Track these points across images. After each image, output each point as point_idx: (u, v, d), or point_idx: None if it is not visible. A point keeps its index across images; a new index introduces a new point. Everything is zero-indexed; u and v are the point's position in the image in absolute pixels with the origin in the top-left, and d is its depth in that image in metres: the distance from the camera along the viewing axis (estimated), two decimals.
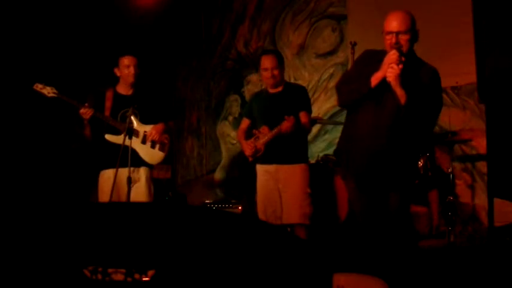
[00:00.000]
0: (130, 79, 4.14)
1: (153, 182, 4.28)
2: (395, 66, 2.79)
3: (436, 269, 3.41)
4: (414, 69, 2.92)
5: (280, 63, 4.12)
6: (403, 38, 2.88)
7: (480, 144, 5.11)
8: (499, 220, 4.44)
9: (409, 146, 2.98)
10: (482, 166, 5.15)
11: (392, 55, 2.83)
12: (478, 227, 4.96)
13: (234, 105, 7.43)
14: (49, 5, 5.75)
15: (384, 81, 2.87)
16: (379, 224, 3.00)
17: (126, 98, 4.17)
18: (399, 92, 2.81)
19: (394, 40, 2.87)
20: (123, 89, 4.21)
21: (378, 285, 1.57)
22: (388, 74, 2.82)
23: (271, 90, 4.18)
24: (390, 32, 2.90)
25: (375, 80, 2.89)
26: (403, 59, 2.83)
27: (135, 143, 4.06)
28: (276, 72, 4.06)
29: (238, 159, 6.96)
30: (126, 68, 4.12)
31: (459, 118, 5.26)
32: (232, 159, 7.27)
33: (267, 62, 4.09)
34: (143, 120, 4.16)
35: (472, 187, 5.21)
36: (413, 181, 3.12)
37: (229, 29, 7.52)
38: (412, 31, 2.92)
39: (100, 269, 1.16)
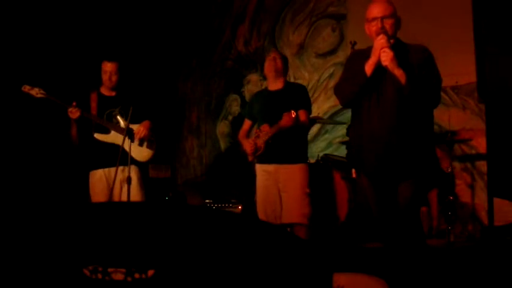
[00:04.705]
0: (110, 84, 4.27)
1: (147, 181, 4.37)
2: (387, 50, 2.84)
3: (436, 269, 3.41)
4: (403, 53, 2.94)
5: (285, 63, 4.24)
6: (388, 23, 2.92)
7: (480, 144, 5.11)
8: (499, 220, 4.44)
9: (418, 133, 2.94)
10: (482, 166, 5.15)
11: (380, 39, 2.87)
12: (477, 226, 4.96)
13: (233, 105, 7.43)
14: (43, 4, 5.74)
15: (379, 70, 2.89)
16: (395, 218, 2.99)
17: (110, 98, 4.29)
18: (398, 72, 2.83)
19: (379, 25, 2.91)
20: (106, 91, 4.31)
21: (378, 285, 1.57)
22: (382, 59, 2.85)
23: (272, 88, 4.20)
24: (375, 18, 2.94)
25: (369, 67, 2.91)
26: (391, 41, 2.89)
27: (124, 141, 4.09)
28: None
29: (238, 159, 6.96)
30: (106, 73, 4.25)
31: (459, 118, 5.26)
32: (232, 159, 7.27)
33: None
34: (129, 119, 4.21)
35: (471, 187, 5.21)
36: (430, 169, 3.04)
37: (229, 29, 7.52)
38: (395, 16, 2.97)
39: (100, 269, 1.16)
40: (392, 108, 2.91)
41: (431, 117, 3.05)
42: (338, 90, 3.16)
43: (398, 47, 2.94)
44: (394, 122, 2.90)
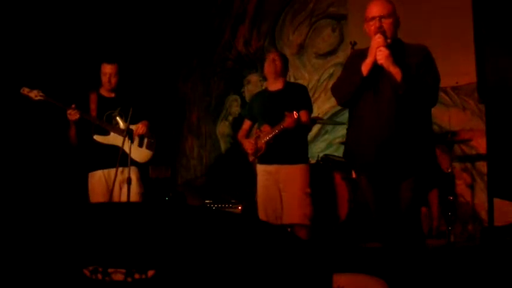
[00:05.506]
0: (110, 86, 4.28)
1: (146, 182, 4.38)
2: (383, 48, 2.84)
3: (436, 269, 3.41)
4: (402, 52, 2.94)
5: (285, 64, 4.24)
6: (386, 22, 2.93)
7: (480, 144, 5.10)
8: (499, 220, 4.44)
9: (416, 130, 2.93)
10: (482, 166, 5.15)
11: (377, 38, 2.88)
12: (477, 226, 4.96)
13: (233, 105, 7.43)
14: (42, 5, 5.74)
15: (376, 69, 2.89)
16: (394, 218, 2.98)
17: (109, 100, 4.29)
18: (393, 70, 2.83)
19: (377, 24, 2.92)
20: (105, 92, 4.32)
21: (378, 285, 1.57)
22: (378, 57, 2.85)
23: (272, 88, 4.20)
24: (373, 18, 2.94)
25: (365, 66, 2.92)
26: (388, 41, 2.89)
27: (124, 142, 4.09)
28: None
29: (238, 159, 6.97)
30: (106, 75, 4.25)
31: (459, 118, 5.26)
32: (232, 159, 7.27)
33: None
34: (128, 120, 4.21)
35: (471, 187, 5.21)
36: (428, 168, 3.03)
37: (229, 29, 7.52)
38: (394, 15, 2.97)
39: (100, 269, 1.16)
40: (389, 107, 2.90)
41: (429, 116, 3.04)
42: (335, 90, 3.17)
43: (396, 47, 2.94)
44: (391, 121, 2.89)
